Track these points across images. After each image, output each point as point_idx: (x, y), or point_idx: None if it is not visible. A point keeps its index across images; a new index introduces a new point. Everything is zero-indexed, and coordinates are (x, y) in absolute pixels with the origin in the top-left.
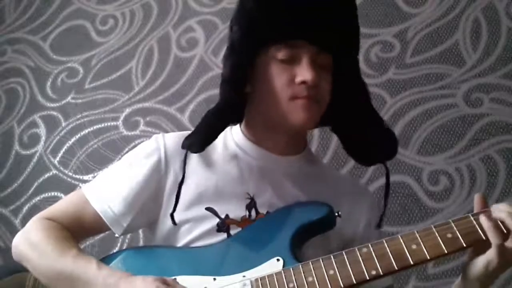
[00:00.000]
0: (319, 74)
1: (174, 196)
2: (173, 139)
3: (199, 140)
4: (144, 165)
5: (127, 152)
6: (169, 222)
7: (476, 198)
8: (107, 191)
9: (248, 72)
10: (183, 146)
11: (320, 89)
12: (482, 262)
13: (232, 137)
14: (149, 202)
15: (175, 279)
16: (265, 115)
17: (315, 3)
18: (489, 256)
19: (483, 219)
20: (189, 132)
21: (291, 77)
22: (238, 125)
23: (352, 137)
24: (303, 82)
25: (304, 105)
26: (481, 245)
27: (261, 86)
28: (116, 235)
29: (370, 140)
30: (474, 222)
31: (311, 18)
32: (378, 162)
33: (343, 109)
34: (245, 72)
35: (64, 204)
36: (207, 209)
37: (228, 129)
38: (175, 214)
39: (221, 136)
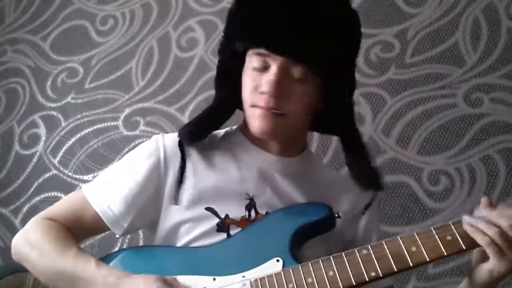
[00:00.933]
0: (289, 86)
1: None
2: (172, 140)
3: (192, 129)
4: (143, 165)
5: (127, 152)
6: (169, 222)
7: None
8: (107, 192)
9: (233, 73)
10: (178, 135)
11: (286, 102)
12: (486, 268)
13: (232, 137)
14: (149, 203)
15: (174, 278)
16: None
17: (284, 14)
18: (491, 263)
19: (466, 227)
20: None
21: (257, 85)
22: (237, 125)
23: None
24: (263, 92)
25: (260, 114)
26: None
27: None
28: (117, 235)
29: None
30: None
31: (276, 29)
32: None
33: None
34: (226, 73)
35: (64, 204)
36: (207, 209)
37: (228, 129)
38: (175, 214)
39: (221, 136)
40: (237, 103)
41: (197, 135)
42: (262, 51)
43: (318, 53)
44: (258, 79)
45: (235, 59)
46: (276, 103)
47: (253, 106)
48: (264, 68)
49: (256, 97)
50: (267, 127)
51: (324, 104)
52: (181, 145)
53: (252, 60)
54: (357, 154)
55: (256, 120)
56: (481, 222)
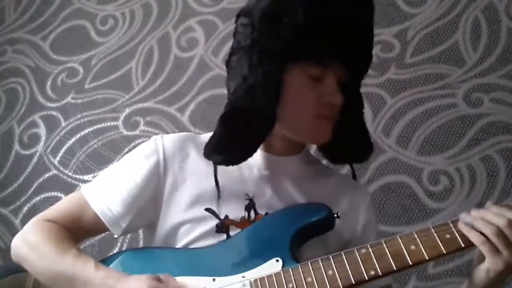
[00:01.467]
0: None
1: (173, 197)
2: (171, 140)
3: (236, 153)
4: (142, 166)
5: (127, 152)
6: (168, 223)
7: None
8: (106, 192)
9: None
10: (216, 162)
11: None
12: (483, 268)
13: None
14: (148, 204)
15: (167, 274)
16: (283, 125)
17: (350, 25)
18: (487, 263)
19: (461, 225)
20: (189, 133)
21: (319, 95)
22: None
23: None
24: (330, 103)
25: (328, 125)
26: None
27: (284, 96)
28: (115, 235)
29: (345, 140)
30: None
31: (348, 40)
32: (347, 163)
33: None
34: (279, 80)
35: (63, 205)
36: (207, 209)
37: None
38: (174, 215)
39: None
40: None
41: (247, 154)
42: (328, 62)
43: (369, 62)
44: (318, 89)
45: (284, 65)
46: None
47: (319, 116)
48: (321, 77)
49: (323, 108)
50: (330, 134)
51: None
52: (216, 171)
53: (310, 71)
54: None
55: (323, 131)
56: (477, 220)
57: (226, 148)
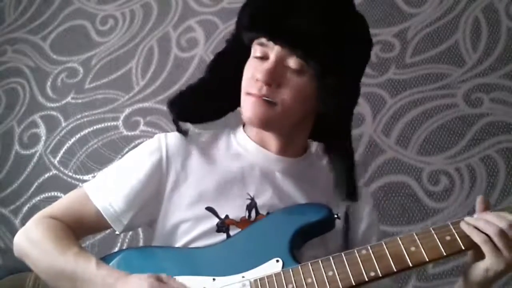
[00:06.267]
0: (285, 76)
1: (174, 195)
2: (175, 139)
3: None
4: (145, 163)
5: (127, 152)
6: (169, 221)
7: (478, 201)
8: (108, 189)
9: (232, 62)
10: (171, 111)
11: (280, 90)
12: (482, 267)
13: (235, 137)
14: (149, 201)
15: (169, 276)
16: None
17: (288, 5)
18: (487, 261)
19: (463, 225)
20: (191, 132)
21: (254, 74)
22: (241, 126)
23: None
24: (257, 80)
25: (253, 101)
26: (481, 249)
27: None
28: (117, 232)
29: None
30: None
31: (274, 16)
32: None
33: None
34: (225, 61)
35: (66, 202)
36: (207, 208)
37: (231, 129)
38: (175, 213)
39: (223, 136)
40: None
41: (195, 113)
42: (263, 40)
43: (314, 43)
44: (256, 68)
45: (241, 52)
46: (268, 90)
47: (247, 93)
48: (265, 58)
49: (251, 85)
50: (258, 115)
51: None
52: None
53: (255, 51)
54: (343, 162)
55: (247, 107)
56: (480, 221)
57: (181, 102)
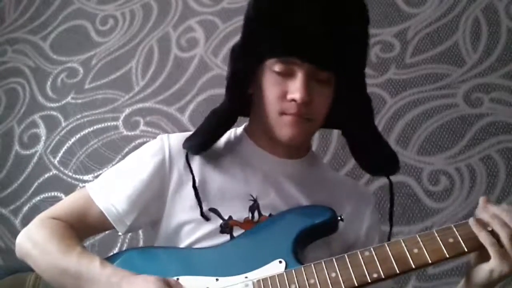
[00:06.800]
0: (314, 90)
1: (177, 196)
2: (178, 139)
3: (199, 142)
4: (148, 164)
5: (127, 152)
6: (172, 222)
7: (480, 202)
8: (111, 190)
9: (248, 78)
10: (184, 147)
11: (313, 106)
12: (486, 268)
13: (237, 138)
14: (152, 201)
15: (177, 279)
16: (261, 120)
17: (311, 22)
18: (492, 263)
19: (472, 223)
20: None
21: (284, 92)
22: (243, 127)
23: (357, 147)
24: (293, 100)
25: (291, 122)
26: (485, 251)
27: (258, 92)
28: (120, 233)
29: (373, 156)
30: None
31: (305, 37)
32: (380, 175)
33: (348, 120)
34: (243, 79)
35: (68, 203)
36: (211, 210)
37: (233, 130)
38: (178, 214)
39: (225, 137)
40: (244, 110)
41: (206, 146)
42: (290, 58)
43: (344, 58)
44: (283, 86)
45: (253, 65)
46: (307, 109)
47: (282, 113)
48: (288, 73)
49: (286, 105)
50: (298, 134)
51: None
52: (187, 158)
53: (274, 66)
54: (371, 142)
55: (286, 127)
56: (494, 220)
57: (193, 136)
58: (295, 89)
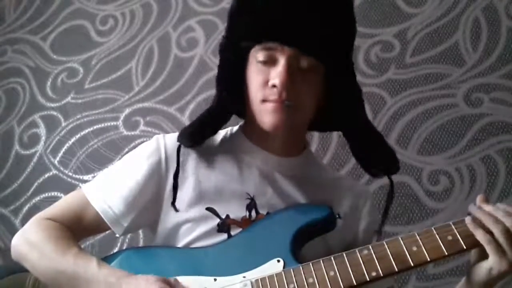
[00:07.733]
0: (298, 78)
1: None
2: (173, 139)
3: (189, 132)
4: (144, 165)
5: (127, 152)
6: (169, 222)
7: (478, 200)
8: (108, 191)
9: (236, 69)
10: (177, 140)
11: (296, 92)
12: (485, 266)
13: (233, 137)
14: (149, 202)
15: (176, 279)
16: (252, 115)
17: (290, 5)
18: (490, 261)
19: (468, 221)
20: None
21: (266, 79)
22: (238, 126)
23: (356, 146)
24: (274, 85)
25: (273, 108)
26: (484, 249)
27: (247, 86)
28: (117, 235)
29: (371, 153)
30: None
31: (284, 20)
32: (380, 175)
33: (341, 115)
34: (231, 70)
35: (64, 204)
36: (208, 209)
37: (229, 129)
38: (175, 214)
39: (221, 136)
40: (238, 104)
41: (198, 138)
42: (270, 44)
43: (326, 42)
44: (266, 73)
45: (238, 58)
46: (288, 95)
47: (264, 100)
48: (271, 61)
49: (267, 91)
50: (280, 120)
51: (327, 98)
52: (178, 150)
53: (257, 55)
54: (369, 141)
55: (268, 114)
56: (487, 217)
57: (186, 128)
58: (276, 74)
